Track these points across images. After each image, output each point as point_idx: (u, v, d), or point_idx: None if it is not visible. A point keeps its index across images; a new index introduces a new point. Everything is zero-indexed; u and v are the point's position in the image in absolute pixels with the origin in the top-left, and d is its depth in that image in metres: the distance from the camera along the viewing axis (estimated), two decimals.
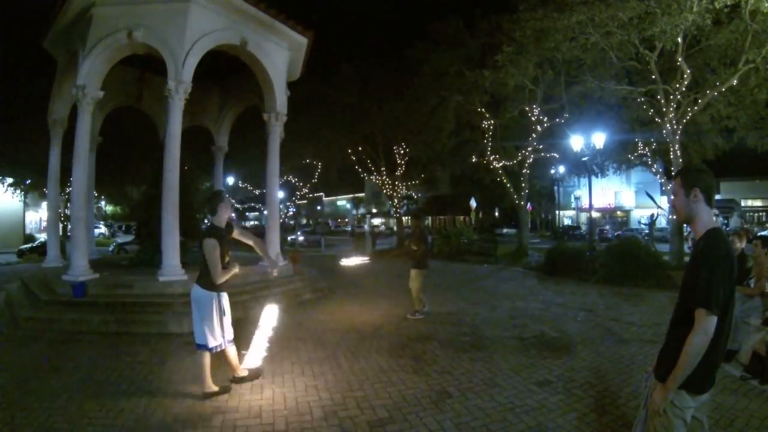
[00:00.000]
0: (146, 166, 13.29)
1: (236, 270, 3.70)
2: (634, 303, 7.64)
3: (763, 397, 3.69)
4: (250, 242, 4.02)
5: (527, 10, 12.09)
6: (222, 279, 3.54)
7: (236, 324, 5.90)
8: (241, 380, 3.88)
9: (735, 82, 10.60)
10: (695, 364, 1.67)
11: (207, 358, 3.62)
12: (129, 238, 22.31)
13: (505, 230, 34.66)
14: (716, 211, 29.52)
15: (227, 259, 3.68)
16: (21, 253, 18.47)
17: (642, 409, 1.91)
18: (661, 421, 1.77)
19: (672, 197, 1.98)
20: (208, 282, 3.56)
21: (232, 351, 3.80)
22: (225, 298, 3.72)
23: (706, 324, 1.66)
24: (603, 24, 10.34)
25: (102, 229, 30.25)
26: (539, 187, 26.44)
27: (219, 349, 3.65)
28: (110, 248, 19.11)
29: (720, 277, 1.68)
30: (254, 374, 3.99)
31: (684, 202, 1.87)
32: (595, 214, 27.96)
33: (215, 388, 3.66)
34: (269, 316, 4.31)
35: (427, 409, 3.44)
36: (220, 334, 3.62)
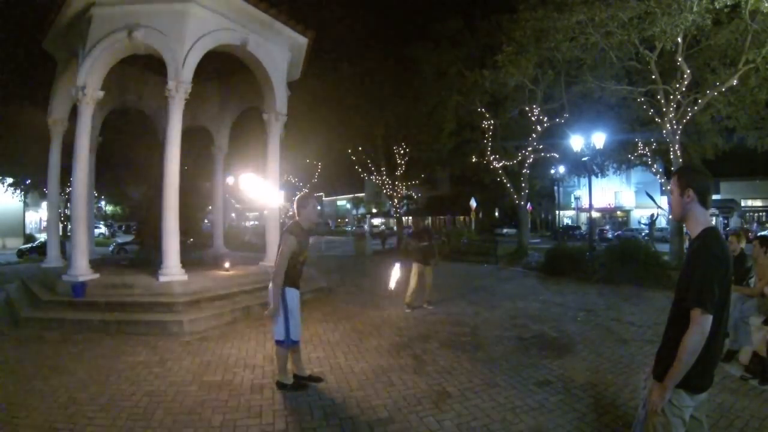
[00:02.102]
0: (146, 166, 13.28)
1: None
2: (634, 303, 7.64)
3: (763, 397, 3.69)
4: None
5: (527, 10, 12.10)
6: (280, 275, 3.58)
7: (238, 323, 5.90)
8: (308, 379, 3.96)
9: (735, 82, 10.59)
10: (692, 363, 1.68)
11: (283, 352, 3.78)
12: (129, 238, 22.32)
13: (505, 230, 34.63)
14: (716, 211, 29.59)
15: (301, 258, 3.75)
16: (21, 253, 18.50)
17: (641, 409, 1.91)
18: (659, 421, 1.77)
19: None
20: (276, 277, 3.65)
21: (294, 349, 3.88)
22: (292, 295, 3.70)
23: (702, 323, 1.66)
24: (603, 24, 10.34)
25: (102, 229, 30.26)
26: (539, 187, 26.41)
27: (287, 345, 3.71)
28: (110, 248, 19.13)
29: (715, 276, 1.69)
30: (317, 378, 4.04)
31: (678, 201, 1.88)
32: (595, 214, 27.97)
33: (289, 382, 3.81)
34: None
35: (427, 409, 3.44)
36: (284, 329, 3.65)
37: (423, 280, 7.23)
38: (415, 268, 7.19)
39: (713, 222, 2.27)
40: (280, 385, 3.80)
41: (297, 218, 3.84)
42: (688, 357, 1.67)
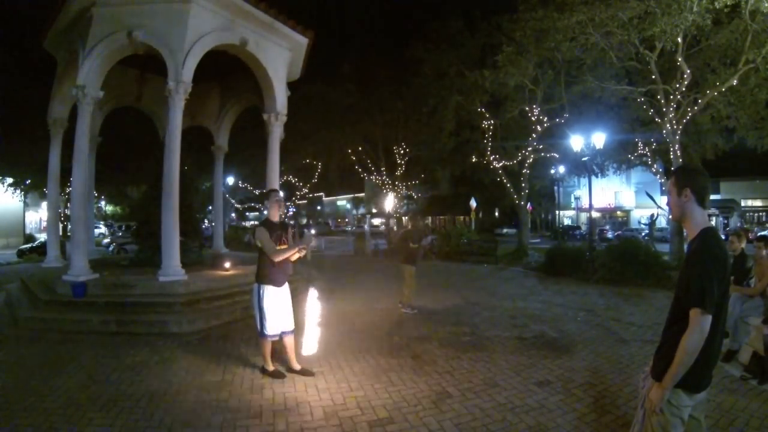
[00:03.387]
0: (146, 166, 13.29)
1: (301, 253, 3.94)
2: (634, 303, 7.64)
3: (763, 397, 3.69)
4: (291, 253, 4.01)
5: (527, 10, 12.12)
6: (279, 257, 3.82)
7: (238, 323, 5.90)
8: (298, 372, 4.12)
9: (735, 82, 10.59)
10: (691, 363, 1.68)
11: (265, 343, 4.02)
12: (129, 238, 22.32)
13: (505, 230, 34.65)
14: (716, 211, 29.59)
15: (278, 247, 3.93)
16: (21, 253, 18.48)
17: (639, 409, 1.91)
18: (658, 420, 1.77)
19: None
20: (257, 274, 3.97)
21: (287, 342, 4.10)
22: (267, 292, 3.92)
23: (701, 323, 1.66)
24: (603, 24, 10.35)
25: (102, 229, 30.24)
26: (539, 187, 26.42)
27: (264, 337, 3.96)
28: (110, 248, 19.13)
29: (714, 276, 1.69)
30: (307, 372, 4.16)
31: (676, 201, 1.89)
32: (595, 214, 27.96)
33: (271, 368, 4.08)
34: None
35: (427, 409, 3.44)
36: (259, 323, 3.94)
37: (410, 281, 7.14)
38: (411, 269, 7.09)
39: (712, 222, 2.28)
40: (262, 369, 4.12)
41: (267, 214, 4.12)
42: (687, 357, 1.67)
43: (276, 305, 3.94)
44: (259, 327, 3.95)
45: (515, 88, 14.36)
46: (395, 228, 22.37)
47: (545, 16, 11.30)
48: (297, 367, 4.14)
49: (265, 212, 4.20)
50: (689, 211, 1.86)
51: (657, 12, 9.43)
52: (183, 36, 6.69)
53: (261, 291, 3.91)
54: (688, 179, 1.87)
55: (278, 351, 4.23)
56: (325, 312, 6.94)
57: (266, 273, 3.90)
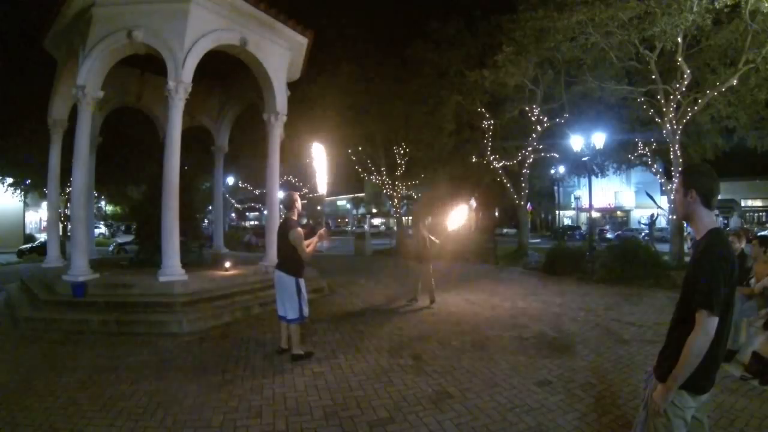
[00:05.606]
0: (146, 166, 13.29)
1: (318, 239, 4.65)
2: (634, 303, 7.63)
3: (763, 397, 3.69)
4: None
5: (527, 10, 12.10)
6: (309, 255, 4.55)
7: (238, 323, 5.90)
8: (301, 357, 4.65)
9: (735, 82, 10.59)
10: (696, 364, 1.67)
11: (299, 328, 4.61)
12: (129, 238, 22.33)
13: (505, 230, 34.66)
14: (716, 211, 29.51)
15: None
16: (21, 253, 18.49)
17: (642, 410, 1.91)
18: (661, 421, 1.77)
19: (673, 195, 1.99)
20: (291, 268, 4.49)
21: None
22: (303, 282, 4.58)
23: (708, 325, 1.66)
24: (603, 24, 10.33)
25: (102, 229, 30.26)
26: (539, 187, 26.42)
27: (301, 321, 4.58)
28: (110, 248, 19.14)
29: (721, 277, 1.68)
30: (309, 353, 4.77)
31: (682, 202, 1.89)
32: (595, 214, 27.96)
33: (302, 352, 4.61)
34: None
35: (427, 409, 3.44)
36: (299, 309, 4.49)
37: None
38: (428, 265, 7.55)
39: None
40: (296, 357, 4.50)
41: (288, 213, 4.64)
42: (692, 358, 1.66)
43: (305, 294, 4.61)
44: (298, 313, 4.48)
45: (515, 88, 14.33)
46: (395, 228, 22.40)
47: (545, 16, 11.28)
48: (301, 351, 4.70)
49: (288, 212, 4.67)
50: (695, 212, 1.85)
51: (657, 12, 9.42)
52: (183, 36, 6.68)
53: (299, 282, 4.51)
54: (694, 180, 1.86)
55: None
56: (325, 312, 6.93)
57: (301, 267, 4.55)
